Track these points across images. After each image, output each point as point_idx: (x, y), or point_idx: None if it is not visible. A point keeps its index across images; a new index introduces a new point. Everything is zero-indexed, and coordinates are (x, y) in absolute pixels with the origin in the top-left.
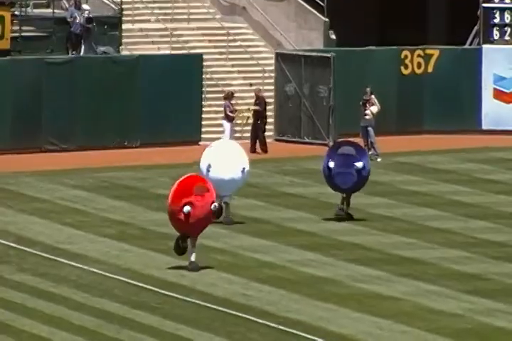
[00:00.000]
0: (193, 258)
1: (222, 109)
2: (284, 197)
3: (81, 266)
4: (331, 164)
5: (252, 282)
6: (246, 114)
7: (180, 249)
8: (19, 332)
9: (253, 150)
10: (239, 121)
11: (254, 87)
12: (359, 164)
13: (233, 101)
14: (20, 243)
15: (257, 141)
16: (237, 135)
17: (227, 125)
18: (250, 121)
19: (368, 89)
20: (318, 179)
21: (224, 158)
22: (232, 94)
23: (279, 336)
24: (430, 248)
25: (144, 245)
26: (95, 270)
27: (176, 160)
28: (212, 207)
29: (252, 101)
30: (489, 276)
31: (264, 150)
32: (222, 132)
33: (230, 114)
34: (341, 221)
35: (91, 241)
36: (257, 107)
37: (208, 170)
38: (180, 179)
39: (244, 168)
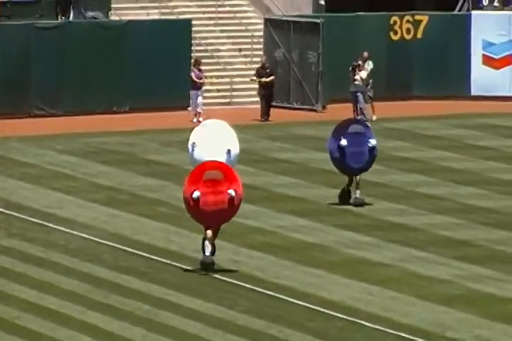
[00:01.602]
0: (207, 252)
1: (210, 74)
2: (273, 163)
3: (70, 231)
4: (344, 142)
5: (242, 248)
6: (212, 80)
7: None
8: (7, 297)
9: (262, 117)
10: (209, 88)
11: (258, 58)
12: (373, 141)
13: (202, 68)
14: (9, 208)
15: (267, 105)
16: (209, 101)
17: (192, 93)
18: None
19: (366, 54)
20: (308, 145)
21: (210, 138)
22: (196, 61)
23: (268, 302)
24: (419, 214)
25: (133, 210)
26: (84, 235)
27: (164, 126)
28: (228, 194)
29: (241, 67)
30: (478, 242)
31: (267, 116)
32: (210, 97)
33: (197, 80)
34: (331, 187)
35: (80, 207)
36: (271, 78)
37: (193, 149)
38: (198, 164)
39: (229, 150)
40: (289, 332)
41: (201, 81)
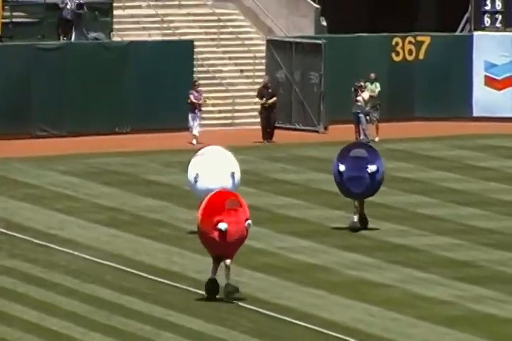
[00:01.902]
0: (227, 279)
1: (212, 95)
2: (275, 184)
3: (71, 251)
4: (342, 167)
5: (244, 269)
6: (210, 101)
7: (212, 287)
8: (9, 318)
9: (265, 138)
10: (211, 109)
11: (260, 79)
12: (372, 167)
13: (204, 89)
14: (11, 229)
15: (269, 127)
16: (211, 122)
17: (192, 115)
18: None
19: (373, 75)
20: (309, 166)
21: (211, 165)
22: (195, 83)
23: (270, 323)
24: (421, 235)
25: (135, 231)
26: (86, 256)
27: (166, 146)
28: (247, 224)
29: (243, 88)
30: (479, 263)
31: (271, 137)
32: (211, 118)
33: (196, 102)
34: (332, 208)
35: (82, 227)
36: (273, 99)
37: (196, 181)
38: (210, 194)
39: (233, 173)
40: None
41: (200, 102)
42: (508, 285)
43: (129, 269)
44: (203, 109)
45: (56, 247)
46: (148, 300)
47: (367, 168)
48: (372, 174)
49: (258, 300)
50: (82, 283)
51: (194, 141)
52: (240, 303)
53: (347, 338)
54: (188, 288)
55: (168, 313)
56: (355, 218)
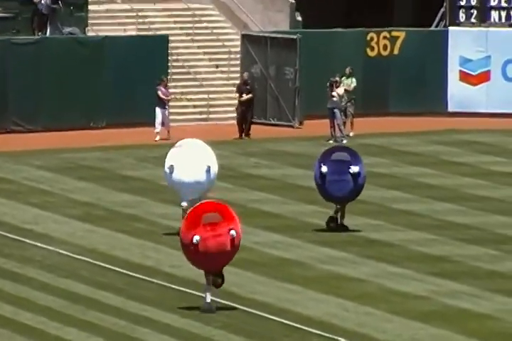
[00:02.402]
0: (208, 298)
1: (187, 90)
2: (249, 179)
3: (46, 246)
4: (324, 168)
5: None
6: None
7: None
8: None
9: (241, 135)
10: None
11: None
12: (355, 168)
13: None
14: None
15: (245, 123)
16: (186, 117)
17: (157, 111)
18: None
19: (348, 70)
20: (284, 161)
21: (188, 158)
22: (162, 79)
23: (245, 318)
24: (396, 230)
25: (110, 226)
26: (60, 250)
27: (141, 141)
28: (230, 235)
29: (218, 83)
30: (454, 258)
31: (248, 133)
32: (187, 113)
33: (164, 97)
34: (307, 203)
35: (56, 222)
36: (247, 96)
37: (171, 172)
38: (193, 207)
39: (209, 167)
40: None
41: (168, 98)
42: (482, 280)
43: (104, 264)
44: (178, 104)
45: (31, 242)
46: (124, 294)
47: (349, 169)
48: (355, 176)
49: (233, 295)
50: (56, 278)
51: (158, 137)
52: (215, 298)
53: (321, 333)
54: (163, 282)
55: (144, 308)
56: (343, 222)
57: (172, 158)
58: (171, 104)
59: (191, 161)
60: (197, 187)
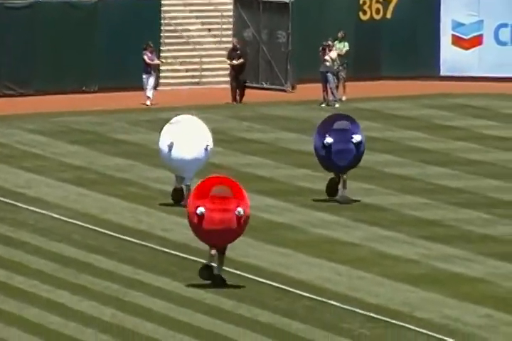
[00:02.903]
0: (217, 270)
1: (180, 54)
2: (242, 143)
3: (39, 210)
4: (329, 139)
5: None
6: (160, 61)
7: (207, 272)
8: None
9: (234, 99)
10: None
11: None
12: (357, 137)
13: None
14: None
15: (239, 89)
16: (178, 81)
17: (145, 76)
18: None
19: (341, 34)
20: (277, 125)
21: (186, 135)
22: (148, 44)
23: (237, 281)
24: (388, 194)
25: (102, 190)
26: (53, 214)
27: (133, 105)
28: (237, 212)
29: (211, 46)
30: (447, 222)
31: (241, 99)
32: (180, 77)
33: (150, 62)
34: (300, 167)
35: (49, 186)
36: (239, 61)
37: (170, 150)
38: (202, 180)
39: (207, 146)
40: (258, 311)
41: (154, 63)
42: (475, 244)
43: (96, 228)
44: (170, 68)
45: (24, 206)
46: (116, 258)
47: (352, 138)
48: (357, 145)
49: (225, 259)
50: (49, 242)
51: (148, 102)
52: (207, 262)
53: (314, 296)
54: (155, 246)
55: (136, 272)
56: (345, 192)
57: (170, 134)
58: (163, 67)
59: (190, 139)
60: (195, 165)
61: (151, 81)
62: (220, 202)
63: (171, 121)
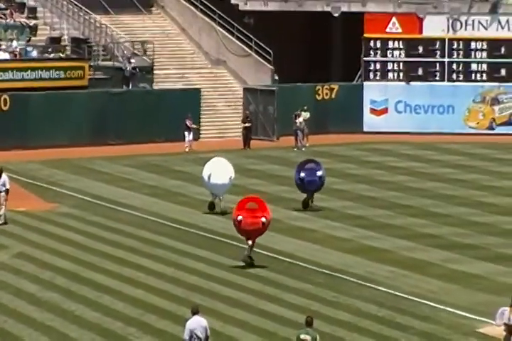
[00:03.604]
0: (246, 252)
1: (213, 120)
2: (248, 172)
3: (130, 211)
4: (302, 174)
5: None
6: (195, 126)
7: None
8: None
9: (244, 146)
10: (211, 128)
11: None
12: (320, 172)
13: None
14: None
15: (247, 141)
16: (212, 135)
17: (185, 134)
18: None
19: (305, 107)
20: (268, 161)
21: (218, 170)
22: (188, 116)
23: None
24: (334, 201)
25: (167, 199)
26: (138, 214)
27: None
28: (263, 219)
29: (231, 115)
30: (369, 217)
31: (249, 146)
32: (213, 133)
33: (189, 126)
34: (282, 185)
35: (136, 198)
36: (248, 124)
37: (209, 178)
38: (243, 198)
39: (231, 177)
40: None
41: (192, 126)
42: (387, 229)
43: (163, 221)
44: (211, 128)
45: (121, 209)
46: (177, 239)
47: (317, 173)
48: (320, 177)
49: (254, 246)
50: (136, 230)
51: (187, 149)
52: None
53: (290, 260)
54: (199, 232)
55: (186, 247)
56: (313, 205)
57: (208, 169)
58: (207, 128)
59: (220, 172)
60: (224, 188)
61: (191, 136)
62: (251, 212)
63: (211, 160)
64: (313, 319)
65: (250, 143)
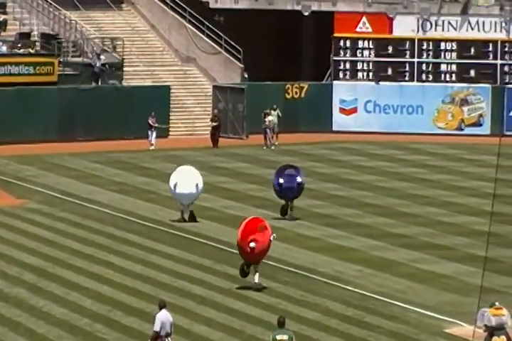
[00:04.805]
0: (256, 279)
1: (182, 116)
2: (215, 169)
3: (97, 207)
4: (281, 180)
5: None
6: (158, 125)
7: (244, 273)
8: None
9: (213, 146)
10: (180, 125)
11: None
12: (299, 179)
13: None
14: None
15: (215, 140)
16: (181, 133)
17: (149, 132)
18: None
19: (275, 106)
20: (237, 159)
21: (184, 178)
22: (151, 114)
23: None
24: (298, 201)
25: (134, 196)
26: (106, 210)
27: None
28: (272, 237)
29: (200, 112)
30: (336, 216)
31: (217, 145)
32: (182, 131)
33: (152, 124)
34: (250, 183)
35: (104, 194)
36: (216, 123)
37: (175, 188)
38: (246, 220)
39: (197, 184)
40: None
41: (155, 125)
42: (353, 228)
43: (131, 218)
44: (181, 126)
45: (88, 205)
46: (143, 235)
47: (296, 180)
48: (299, 184)
49: (189, 231)
50: (104, 226)
51: (151, 147)
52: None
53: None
54: (167, 229)
55: (148, 242)
56: (292, 214)
57: (174, 178)
58: (176, 125)
59: (186, 180)
60: (191, 196)
61: (154, 134)
62: (262, 235)
63: (176, 170)
64: (285, 319)
65: (218, 142)
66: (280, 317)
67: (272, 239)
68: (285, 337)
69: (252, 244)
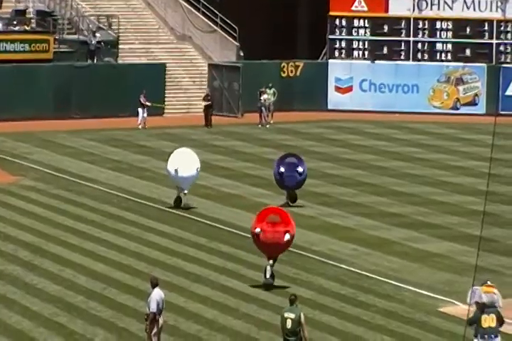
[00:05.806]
0: (268, 275)
1: (177, 95)
2: (211, 147)
3: (92, 185)
4: (282, 169)
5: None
6: (149, 104)
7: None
8: None
9: (206, 125)
10: (176, 103)
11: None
12: (300, 168)
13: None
14: None
15: (208, 119)
16: (176, 111)
17: (140, 110)
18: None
19: (270, 84)
20: (232, 137)
21: (184, 162)
22: (143, 93)
23: (195, 224)
24: None
25: (130, 174)
26: (101, 188)
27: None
28: (287, 235)
29: (195, 91)
30: (330, 195)
31: (210, 124)
32: (177, 109)
33: (144, 103)
34: (244, 161)
35: (99, 171)
36: (208, 102)
37: (176, 172)
38: (264, 208)
39: (197, 168)
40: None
41: (146, 103)
42: (348, 207)
43: (125, 195)
44: (174, 103)
45: (83, 182)
46: (136, 212)
47: (297, 169)
48: (300, 173)
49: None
50: (99, 204)
51: (140, 126)
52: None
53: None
54: (162, 207)
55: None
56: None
57: (173, 162)
58: (171, 103)
59: (186, 164)
60: (191, 180)
61: (145, 113)
62: (271, 226)
63: (175, 151)
64: (296, 297)
65: (211, 121)
66: (292, 294)
67: (288, 237)
68: (292, 315)
69: (257, 230)
